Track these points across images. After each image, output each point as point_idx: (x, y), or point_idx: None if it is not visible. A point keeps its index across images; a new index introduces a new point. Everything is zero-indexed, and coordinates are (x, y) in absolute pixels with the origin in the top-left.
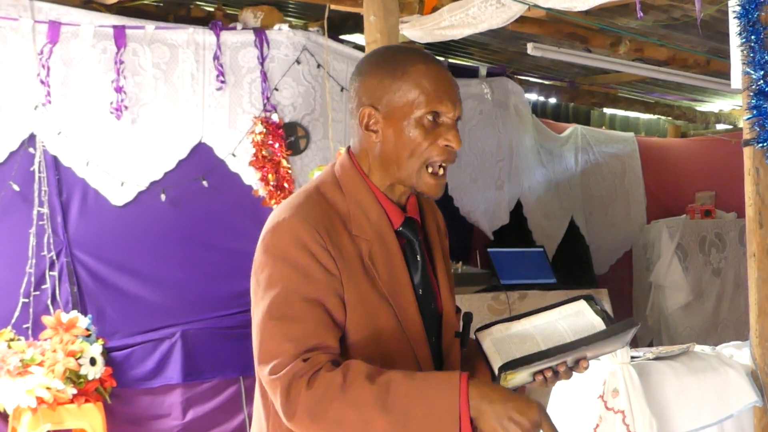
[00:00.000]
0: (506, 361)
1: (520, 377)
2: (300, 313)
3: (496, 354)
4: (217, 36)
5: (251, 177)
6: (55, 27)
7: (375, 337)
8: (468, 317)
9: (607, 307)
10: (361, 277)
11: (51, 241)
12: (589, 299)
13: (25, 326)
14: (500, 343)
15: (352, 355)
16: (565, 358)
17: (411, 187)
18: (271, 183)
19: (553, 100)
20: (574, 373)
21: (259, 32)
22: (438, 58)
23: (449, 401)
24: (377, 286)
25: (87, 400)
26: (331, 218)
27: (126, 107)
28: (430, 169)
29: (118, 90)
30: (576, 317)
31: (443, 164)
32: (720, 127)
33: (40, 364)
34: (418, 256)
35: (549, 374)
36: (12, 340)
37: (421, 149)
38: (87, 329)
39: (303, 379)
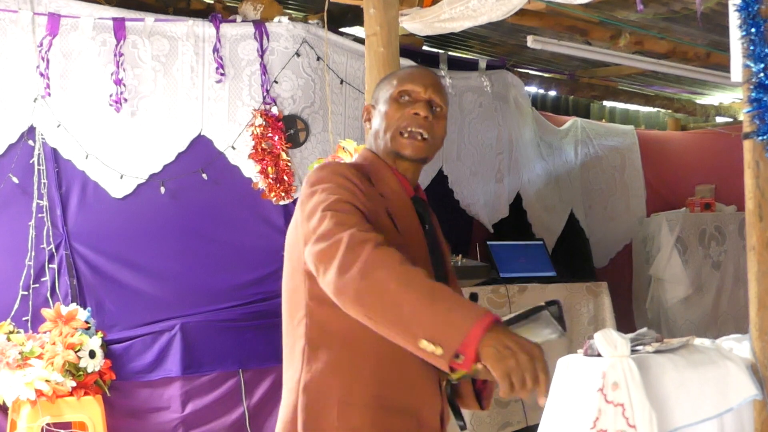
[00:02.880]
0: None
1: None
2: (352, 210)
3: None
4: (217, 28)
5: (251, 169)
6: (54, 19)
7: None
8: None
9: (607, 300)
10: (384, 218)
11: (50, 233)
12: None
13: (24, 319)
14: None
15: None
16: None
17: (395, 151)
18: (271, 176)
19: (552, 93)
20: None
21: (259, 25)
22: (437, 50)
23: (474, 313)
24: (394, 232)
25: (86, 393)
26: (361, 176)
27: (125, 100)
28: (405, 135)
29: (118, 82)
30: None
31: (415, 129)
32: (720, 120)
33: (40, 356)
34: (427, 226)
35: None
36: (11, 332)
37: (394, 120)
38: (86, 322)
39: (371, 241)
